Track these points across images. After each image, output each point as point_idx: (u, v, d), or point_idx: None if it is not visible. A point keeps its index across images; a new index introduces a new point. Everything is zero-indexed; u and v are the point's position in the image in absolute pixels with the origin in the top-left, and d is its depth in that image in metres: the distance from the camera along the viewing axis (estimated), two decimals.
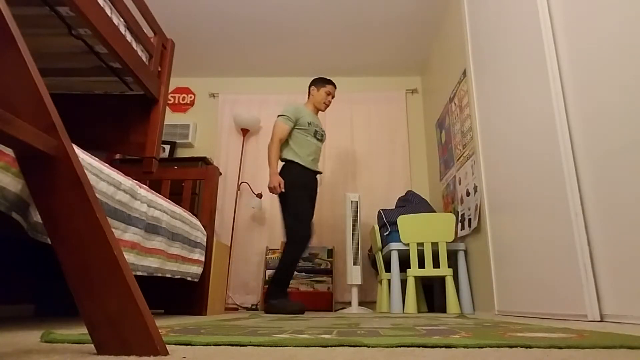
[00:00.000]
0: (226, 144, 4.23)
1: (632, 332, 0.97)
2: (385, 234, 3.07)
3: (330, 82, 3.10)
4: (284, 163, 2.90)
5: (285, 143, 2.90)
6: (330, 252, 3.68)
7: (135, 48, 1.82)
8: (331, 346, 0.71)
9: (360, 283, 3.14)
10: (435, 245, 2.82)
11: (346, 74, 4.44)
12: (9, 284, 1.92)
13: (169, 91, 4.28)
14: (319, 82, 3.09)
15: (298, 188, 2.80)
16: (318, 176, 3.02)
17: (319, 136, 3.00)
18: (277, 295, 2.64)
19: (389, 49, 4.01)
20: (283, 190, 2.75)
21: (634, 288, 1.29)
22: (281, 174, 2.83)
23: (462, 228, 2.96)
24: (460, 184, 3.07)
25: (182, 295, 2.30)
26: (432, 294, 3.34)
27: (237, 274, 3.79)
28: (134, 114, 2.05)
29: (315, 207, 3.92)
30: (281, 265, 2.70)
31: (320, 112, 3.13)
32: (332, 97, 3.10)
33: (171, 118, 4.32)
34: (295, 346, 0.71)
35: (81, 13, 1.43)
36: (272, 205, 4.01)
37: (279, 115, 2.93)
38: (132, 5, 1.89)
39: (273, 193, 2.79)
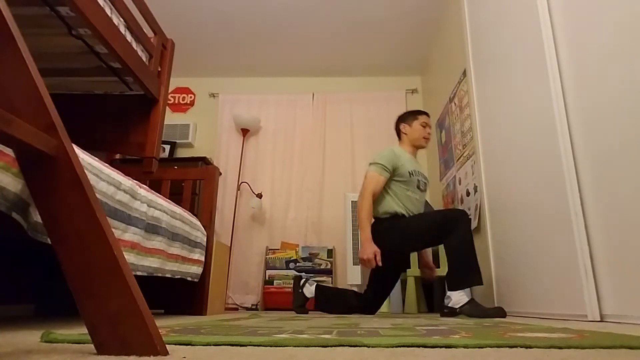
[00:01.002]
0: (226, 144, 4.23)
1: (632, 332, 0.97)
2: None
3: (422, 112, 2.51)
4: (386, 217, 2.30)
5: (380, 196, 2.32)
6: (330, 252, 3.68)
7: (135, 48, 1.82)
8: (331, 346, 0.71)
9: (360, 283, 3.14)
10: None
11: (346, 74, 4.44)
12: (9, 284, 1.92)
13: (169, 91, 4.28)
14: (408, 116, 2.49)
15: (410, 244, 2.25)
16: None
17: (422, 186, 2.39)
18: (323, 306, 2.45)
19: (389, 49, 4.01)
20: (380, 264, 2.13)
21: (634, 288, 1.29)
22: (384, 232, 2.24)
23: None
24: (460, 184, 3.07)
25: (182, 295, 2.30)
26: (432, 294, 3.34)
27: (237, 274, 3.79)
28: (134, 114, 2.05)
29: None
30: (343, 297, 2.41)
31: (414, 150, 2.49)
32: (430, 127, 2.49)
33: (171, 118, 4.32)
34: (295, 346, 0.71)
35: (81, 13, 1.43)
36: (272, 205, 4.01)
37: (370, 164, 2.33)
38: (132, 5, 1.89)
39: (366, 267, 2.19)
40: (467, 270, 1.99)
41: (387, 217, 2.29)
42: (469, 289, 2.02)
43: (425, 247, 2.41)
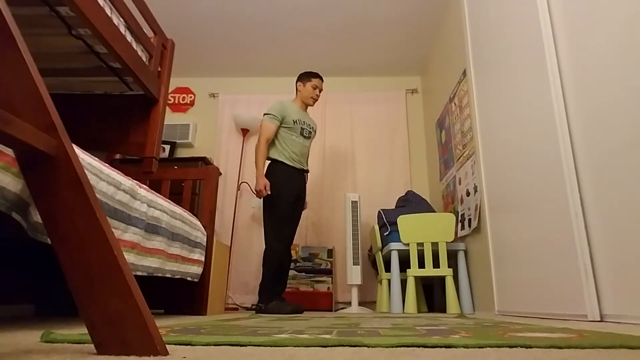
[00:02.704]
0: (226, 144, 4.23)
1: (632, 332, 0.97)
2: (385, 234, 3.07)
3: (316, 76, 3.01)
4: (269, 163, 2.84)
5: (272, 142, 2.84)
6: (330, 252, 3.68)
7: (135, 48, 1.82)
8: (331, 346, 0.71)
9: (360, 283, 3.14)
10: (435, 245, 2.82)
11: (346, 74, 4.44)
12: (9, 284, 1.92)
13: (169, 91, 4.28)
14: (304, 76, 3.01)
15: (282, 189, 2.74)
16: (306, 175, 2.97)
17: (307, 133, 2.93)
18: (267, 299, 2.62)
19: (389, 49, 4.01)
20: (269, 192, 2.70)
21: (634, 288, 1.29)
22: (266, 174, 2.77)
23: (462, 228, 2.96)
24: (460, 184, 3.07)
25: (182, 295, 2.30)
26: (432, 294, 3.34)
27: (237, 274, 3.79)
28: (134, 114, 2.05)
29: (316, 208, 3.96)
30: (263, 273, 2.69)
31: (309, 108, 3.06)
32: (320, 91, 3.01)
33: (171, 118, 4.32)
34: (295, 346, 0.71)
35: (81, 13, 1.43)
36: None
37: (264, 114, 2.87)
38: (132, 5, 1.89)
39: (259, 196, 2.74)
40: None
41: (270, 161, 2.84)
42: None
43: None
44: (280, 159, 2.80)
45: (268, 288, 2.65)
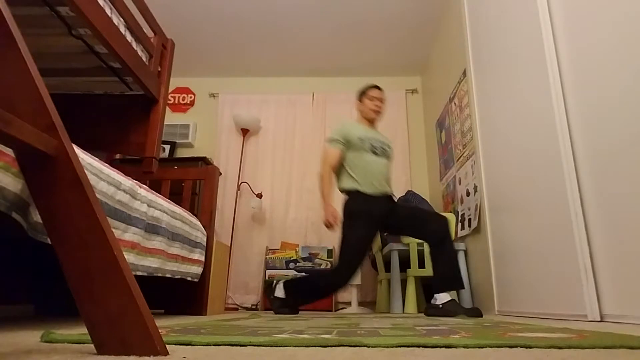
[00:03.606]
0: (226, 144, 4.23)
1: (632, 332, 0.97)
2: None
3: (369, 87, 2.61)
4: (346, 197, 2.42)
5: (343, 171, 2.45)
6: (330, 252, 3.68)
7: (135, 48, 1.82)
8: (331, 346, 0.71)
9: (360, 283, 3.14)
10: None
11: (346, 74, 4.44)
12: (8, 284, 1.92)
13: (169, 91, 4.28)
14: (359, 93, 2.64)
15: (357, 220, 2.31)
16: (392, 198, 2.49)
17: (379, 151, 2.45)
18: (295, 301, 2.39)
19: (389, 49, 4.01)
20: (338, 224, 2.34)
21: (634, 288, 1.29)
22: (344, 209, 2.39)
23: (462, 228, 2.96)
24: (460, 184, 3.07)
25: (182, 295, 2.30)
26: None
27: (237, 274, 3.79)
28: (134, 114, 2.05)
29: (316, 207, 3.96)
30: (308, 281, 2.40)
31: (370, 123, 2.58)
32: (380, 100, 2.56)
33: (171, 118, 4.32)
34: (295, 346, 0.71)
35: (81, 13, 1.43)
36: (272, 205, 4.01)
37: (326, 140, 2.51)
38: (132, 5, 1.89)
39: (329, 229, 2.38)
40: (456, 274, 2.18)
41: (343, 193, 2.45)
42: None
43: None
44: (357, 188, 2.36)
45: (306, 293, 2.38)
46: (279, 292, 2.43)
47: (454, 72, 3.18)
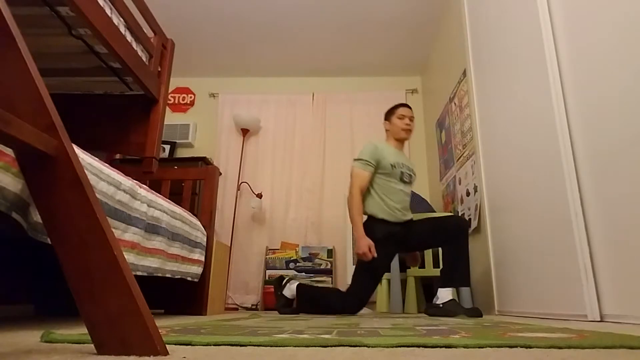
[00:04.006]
0: (226, 144, 4.23)
1: (632, 332, 0.97)
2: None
3: (399, 105, 2.53)
4: (365, 219, 2.35)
5: (366, 193, 2.36)
6: (330, 252, 3.68)
7: (135, 48, 1.82)
8: (331, 346, 0.71)
9: None
10: None
11: (346, 74, 4.44)
12: (8, 284, 1.92)
13: (169, 91, 4.28)
14: (388, 113, 2.55)
15: (380, 250, 2.23)
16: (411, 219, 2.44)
17: (407, 178, 2.40)
18: (303, 308, 2.37)
19: (389, 49, 4.01)
20: (376, 255, 2.19)
21: (634, 288, 1.29)
22: (366, 229, 2.27)
23: None
24: (460, 184, 3.07)
25: (182, 295, 2.30)
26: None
27: (237, 274, 3.79)
28: (134, 114, 2.05)
29: (316, 207, 3.96)
30: (323, 295, 2.36)
31: (399, 144, 2.51)
32: (410, 119, 2.47)
33: (171, 118, 4.32)
34: (295, 346, 0.71)
35: (81, 13, 1.43)
36: (272, 205, 4.01)
37: (354, 160, 2.39)
38: (132, 5, 1.89)
39: (364, 260, 2.22)
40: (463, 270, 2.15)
41: (367, 217, 2.35)
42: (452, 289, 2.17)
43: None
44: (379, 216, 2.30)
45: (309, 305, 2.36)
46: (288, 291, 2.42)
47: (454, 72, 3.18)
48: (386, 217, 2.30)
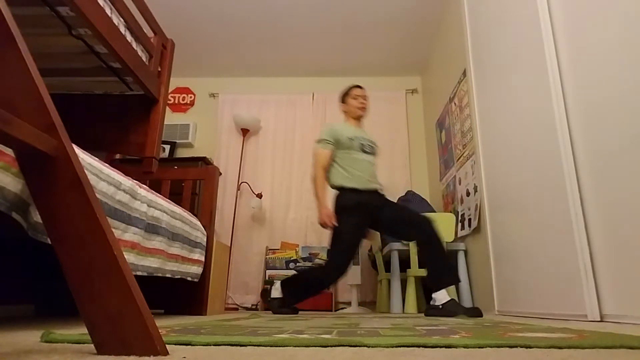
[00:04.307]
0: (226, 144, 4.23)
1: (632, 332, 0.97)
2: (381, 233, 3.07)
3: (352, 87, 2.72)
4: (337, 193, 2.48)
5: (332, 167, 2.52)
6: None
7: (135, 48, 1.82)
8: (331, 346, 0.71)
9: (360, 283, 3.14)
10: None
11: (346, 74, 4.44)
12: (8, 284, 1.92)
13: (169, 91, 4.28)
14: (342, 95, 2.74)
15: (348, 214, 2.38)
16: (380, 191, 2.57)
17: (368, 149, 2.56)
18: (289, 301, 2.43)
19: (389, 49, 4.01)
20: (336, 224, 2.37)
21: (634, 288, 1.29)
22: (336, 205, 2.44)
23: (462, 228, 2.96)
24: (460, 184, 3.07)
25: (182, 295, 2.30)
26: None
27: (237, 274, 3.79)
28: (134, 114, 2.05)
29: (316, 207, 3.94)
30: (301, 278, 2.45)
31: (360, 120, 2.69)
32: (364, 97, 2.67)
33: (171, 118, 4.32)
34: (295, 346, 0.71)
35: (81, 13, 1.43)
36: (272, 205, 4.01)
37: (316, 142, 2.59)
38: (132, 5, 1.89)
39: (325, 229, 2.43)
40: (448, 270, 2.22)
41: (336, 189, 2.50)
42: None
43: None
44: (348, 185, 2.44)
45: (299, 291, 2.42)
46: (275, 292, 2.47)
47: (454, 72, 3.18)
48: (354, 185, 2.44)
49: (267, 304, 2.50)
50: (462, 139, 3.01)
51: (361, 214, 2.41)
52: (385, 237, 3.12)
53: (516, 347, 0.68)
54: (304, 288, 2.42)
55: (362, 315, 2.35)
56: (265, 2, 3.40)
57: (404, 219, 2.38)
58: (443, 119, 3.52)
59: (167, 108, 4.33)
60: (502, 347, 0.69)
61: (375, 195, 2.49)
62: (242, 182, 4.07)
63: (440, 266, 2.21)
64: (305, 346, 0.71)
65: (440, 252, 2.23)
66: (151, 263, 1.66)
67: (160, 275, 1.75)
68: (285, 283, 2.46)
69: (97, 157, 1.30)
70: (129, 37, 1.78)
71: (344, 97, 2.72)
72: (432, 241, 2.25)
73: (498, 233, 2.33)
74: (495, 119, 2.35)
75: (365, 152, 2.55)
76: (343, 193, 2.45)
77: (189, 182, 2.53)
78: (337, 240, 2.38)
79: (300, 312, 2.59)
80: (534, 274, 1.88)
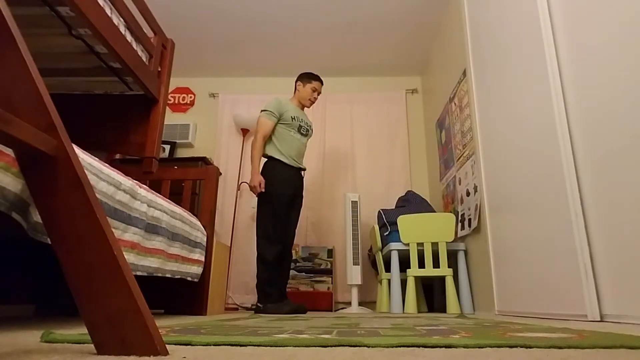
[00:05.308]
0: (226, 144, 4.23)
1: (632, 332, 0.97)
2: (385, 234, 3.07)
3: (316, 78, 3.01)
4: (266, 160, 2.82)
5: (269, 139, 2.82)
6: (330, 252, 3.68)
7: (135, 48, 1.82)
8: (331, 346, 0.71)
9: (360, 283, 3.14)
10: (435, 245, 2.82)
11: (346, 74, 4.44)
12: (9, 284, 1.92)
13: (169, 91, 4.28)
14: (305, 77, 3.01)
15: (278, 187, 2.71)
16: (303, 172, 2.94)
17: (304, 131, 2.91)
18: (266, 300, 2.60)
19: (389, 49, 4.01)
20: (263, 190, 2.68)
21: (634, 288, 1.29)
22: (263, 172, 2.76)
23: (462, 228, 2.96)
24: (460, 184, 3.07)
25: (182, 295, 2.30)
26: (432, 294, 3.34)
27: (237, 274, 3.79)
28: (134, 114, 2.05)
29: (316, 207, 3.96)
30: (257, 273, 2.68)
31: (306, 109, 3.05)
32: (318, 94, 3.01)
33: (171, 118, 4.31)
34: (295, 346, 0.71)
35: (81, 13, 1.43)
36: None
37: (262, 111, 2.84)
38: (132, 5, 1.89)
39: (253, 192, 2.73)
40: None
41: (267, 159, 2.81)
42: None
43: None
44: (277, 157, 2.77)
45: (262, 287, 2.63)
46: (262, 303, 2.66)
47: (454, 72, 3.18)
48: (283, 160, 2.78)
49: (262, 311, 2.57)
50: (462, 139, 3.01)
51: (287, 186, 2.75)
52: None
53: (516, 347, 0.68)
54: (261, 284, 2.63)
55: (362, 315, 2.35)
56: (266, 2, 3.40)
57: (294, 220, 2.84)
58: (443, 119, 3.52)
59: (167, 108, 4.33)
60: (502, 347, 0.69)
61: (299, 174, 2.87)
62: (242, 182, 4.07)
63: (281, 283, 2.68)
64: (305, 346, 0.71)
65: (286, 271, 2.75)
66: (151, 263, 1.66)
67: (160, 275, 1.75)
68: (257, 291, 2.68)
69: (97, 157, 1.30)
70: (129, 37, 1.78)
71: (305, 81, 2.99)
72: (285, 258, 2.71)
73: (498, 233, 2.33)
74: (495, 119, 2.35)
75: (301, 133, 2.89)
76: (274, 162, 2.77)
77: (189, 182, 2.53)
78: (265, 208, 2.70)
79: (266, 303, 2.64)
80: (534, 274, 1.88)
